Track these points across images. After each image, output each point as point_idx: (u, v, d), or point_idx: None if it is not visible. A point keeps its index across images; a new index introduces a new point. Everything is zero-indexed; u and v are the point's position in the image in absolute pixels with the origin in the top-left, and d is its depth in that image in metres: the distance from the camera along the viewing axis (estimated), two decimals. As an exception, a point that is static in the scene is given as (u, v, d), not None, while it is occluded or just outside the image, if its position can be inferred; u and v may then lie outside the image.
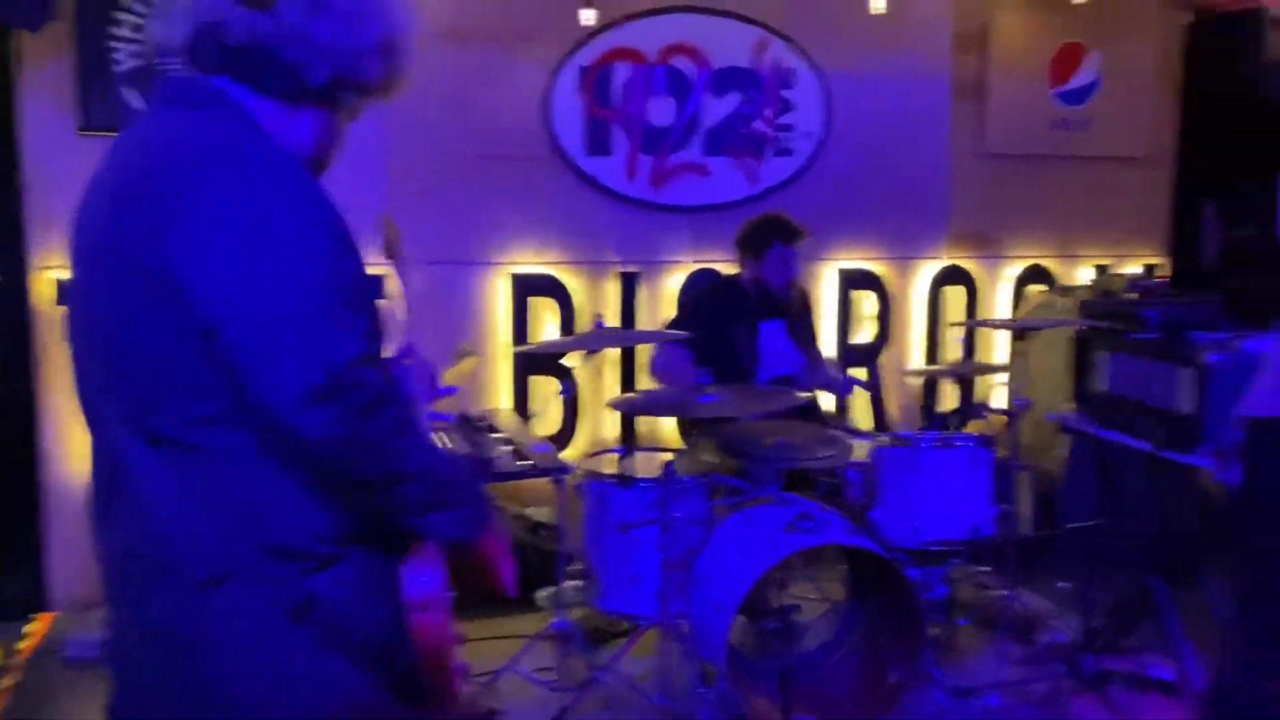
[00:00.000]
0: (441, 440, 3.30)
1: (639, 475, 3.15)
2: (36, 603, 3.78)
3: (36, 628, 3.66)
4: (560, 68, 4.37)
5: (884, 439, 3.26)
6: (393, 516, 1.35)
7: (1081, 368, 3.63)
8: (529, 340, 4.37)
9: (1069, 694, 3.09)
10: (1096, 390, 3.53)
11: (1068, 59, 5.07)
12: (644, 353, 4.60)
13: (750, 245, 3.80)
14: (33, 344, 3.73)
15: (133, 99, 3.74)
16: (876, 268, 4.90)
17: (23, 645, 3.53)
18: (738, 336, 3.76)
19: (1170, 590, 3.10)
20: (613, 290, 4.55)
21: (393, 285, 4.24)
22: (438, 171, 4.24)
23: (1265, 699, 1.93)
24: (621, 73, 4.47)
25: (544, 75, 4.37)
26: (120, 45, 3.73)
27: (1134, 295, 4.07)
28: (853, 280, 4.86)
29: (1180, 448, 3.09)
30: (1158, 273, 5.19)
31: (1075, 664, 3.11)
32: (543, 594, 3.74)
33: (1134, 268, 5.19)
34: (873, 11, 4.46)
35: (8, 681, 3.26)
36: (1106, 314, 3.61)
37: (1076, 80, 5.09)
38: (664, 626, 2.98)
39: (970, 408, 4.40)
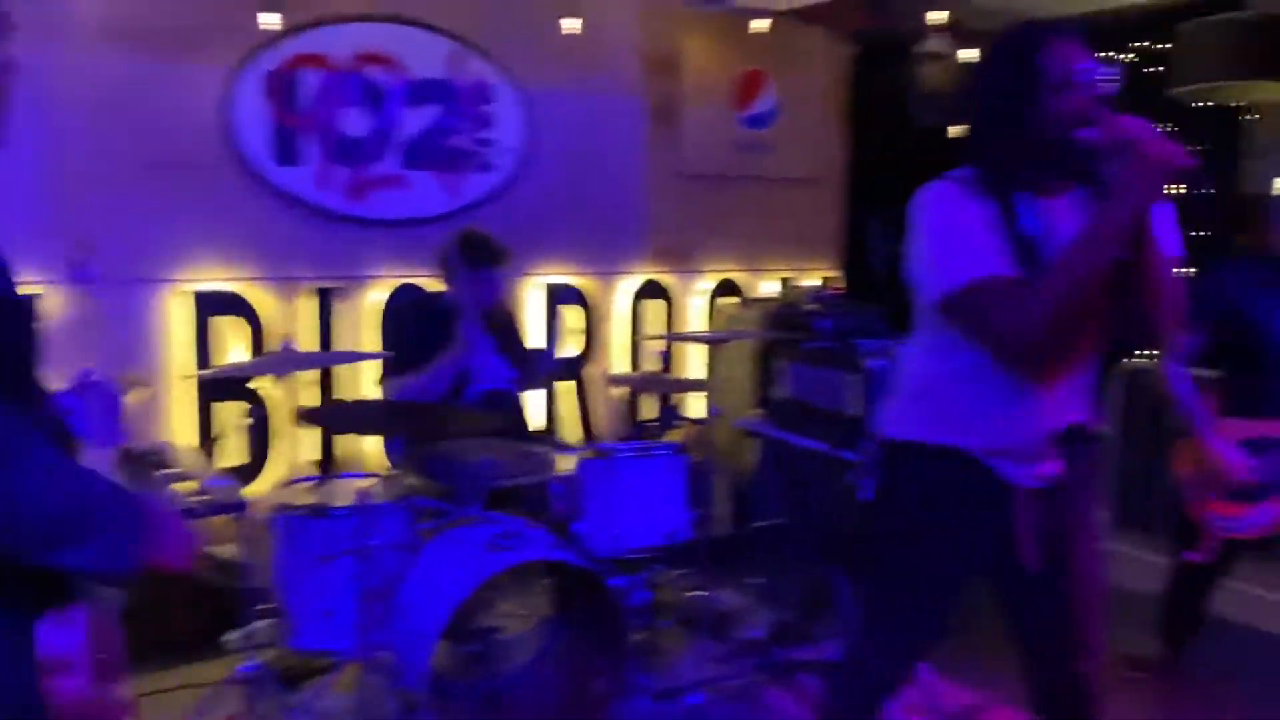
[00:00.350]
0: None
1: (334, 504, 3.01)
2: None
3: None
4: (241, 72, 4.12)
5: (587, 451, 3.30)
6: (13, 560, 1.19)
7: (765, 376, 3.86)
8: (212, 364, 4.08)
9: (763, 686, 3.26)
10: (778, 396, 3.77)
11: (750, 85, 5.39)
12: (342, 374, 4.42)
13: (454, 264, 3.71)
14: None
15: None
16: (580, 282, 4.99)
17: None
18: (452, 355, 3.67)
19: (849, 580, 3.35)
20: (307, 308, 4.34)
21: (60, 307, 3.82)
22: (104, 182, 3.87)
23: (877, 677, 2.15)
24: (311, 80, 4.28)
25: (223, 80, 4.10)
26: None
27: (812, 307, 4.39)
28: (558, 295, 4.92)
29: (850, 448, 3.35)
30: (834, 285, 5.62)
31: (767, 656, 3.29)
32: (230, 637, 3.48)
33: (813, 280, 5.59)
34: (565, 31, 4.55)
35: None
36: (786, 324, 3.86)
37: (758, 106, 5.43)
38: (364, 660, 2.86)
39: (668, 417, 4.57)
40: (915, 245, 1.94)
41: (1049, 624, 2.06)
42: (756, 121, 5.43)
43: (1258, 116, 5.08)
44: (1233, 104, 4.95)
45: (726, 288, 5.40)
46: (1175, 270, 1.87)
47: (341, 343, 4.42)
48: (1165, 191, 1.76)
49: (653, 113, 5.12)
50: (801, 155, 5.57)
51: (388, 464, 4.22)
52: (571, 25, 4.62)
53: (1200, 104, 4.81)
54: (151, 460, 3.45)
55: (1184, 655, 3.27)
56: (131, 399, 3.15)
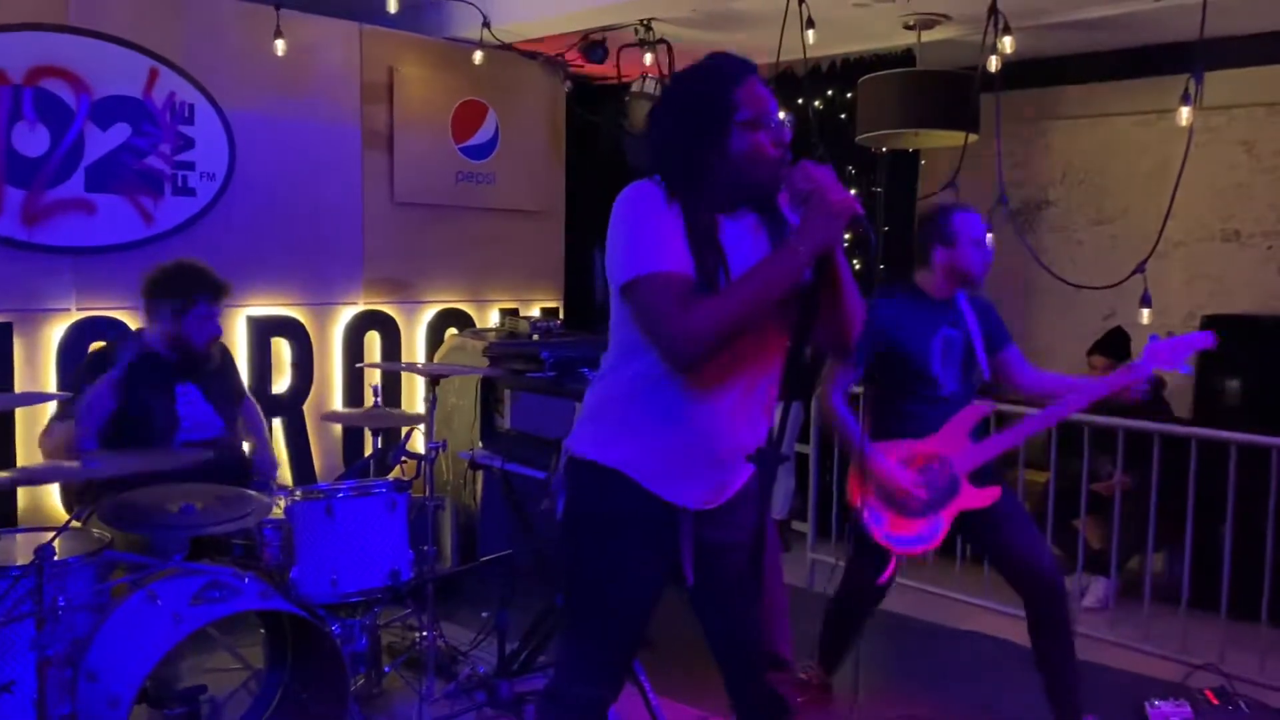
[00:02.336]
0: None
1: (11, 561, 2.70)
2: None
3: None
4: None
5: (298, 494, 3.15)
6: None
7: (489, 407, 3.85)
8: None
9: (491, 721, 3.23)
10: (503, 428, 3.77)
11: (469, 116, 5.39)
12: (23, 417, 3.98)
13: (166, 300, 3.39)
14: None
15: None
16: (293, 313, 4.77)
17: None
18: (151, 403, 3.35)
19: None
20: (-29, 345, 3.88)
21: None
22: None
23: (580, 699, 2.18)
24: (-24, 92, 3.85)
25: None
26: None
27: (535, 337, 4.44)
28: (268, 327, 4.68)
29: (574, 475, 3.40)
30: (556, 315, 5.71)
31: (493, 691, 3.26)
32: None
33: (536, 311, 5.65)
34: (276, 53, 4.37)
35: None
36: (509, 355, 3.87)
37: (478, 136, 5.43)
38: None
39: (389, 452, 4.45)
40: (612, 237, 2.01)
41: (735, 637, 2.16)
42: (477, 152, 5.43)
43: (927, 162, 5.69)
44: (909, 150, 5.51)
45: (450, 318, 5.35)
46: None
47: (21, 383, 3.98)
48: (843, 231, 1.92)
49: (367, 139, 5.00)
50: (523, 187, 5.63)
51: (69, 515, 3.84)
52: (280, 46, 4.45)
53: (882, 150, 5.31)
54: None
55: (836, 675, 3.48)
56: None
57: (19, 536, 3.10)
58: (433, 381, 3.58)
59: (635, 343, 2.02)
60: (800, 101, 4.92)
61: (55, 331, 4.10)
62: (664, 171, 2.01)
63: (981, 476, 3.04)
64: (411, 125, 5.14)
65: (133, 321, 4.15)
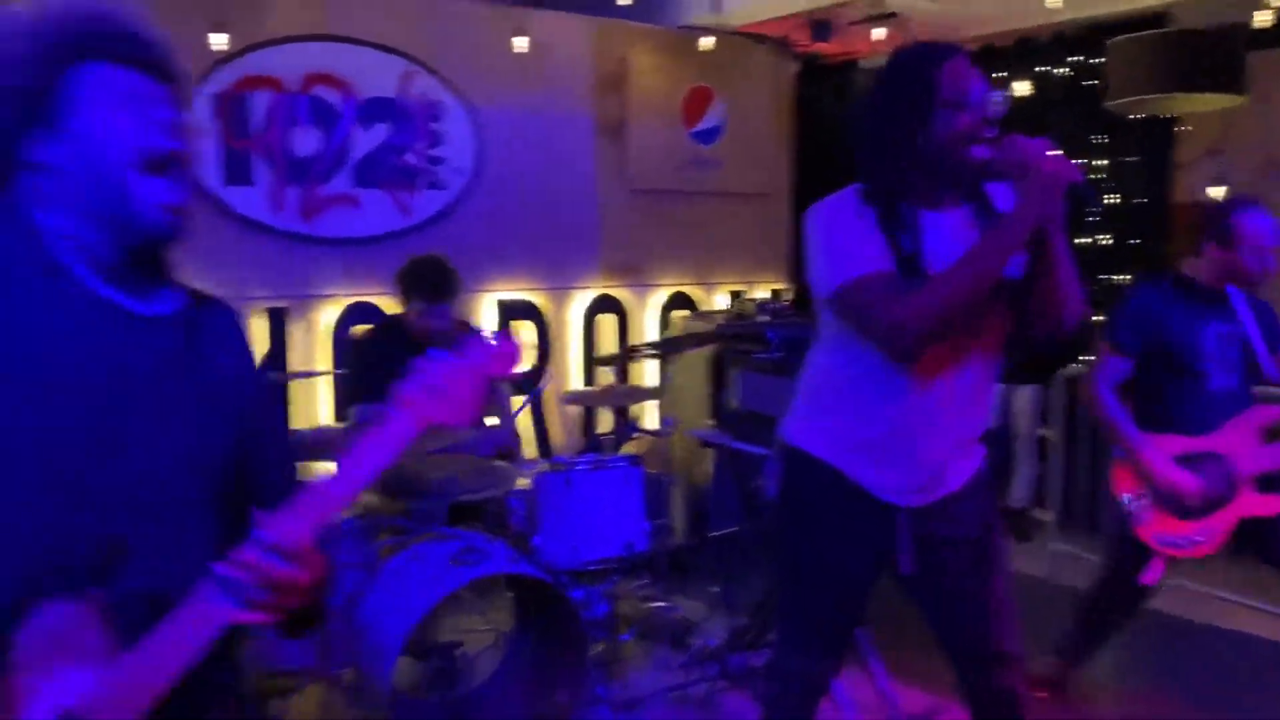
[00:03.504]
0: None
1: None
2: None
3: None
4: (193, 92, 4.12)
5: (543, 465, 3.34)
6: None
7: (718, 387, 3.93)
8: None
9: (722, 693, 3.31)
10: (731, 406, 3.83)
11: (697, 101, 5.48)
12: (296, 390, 4.41)
13: (409, 290, 3.67)
14: None
15: None
16: (534, 298, 5.03)
17: None
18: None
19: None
20: (259, 327, 4.33)
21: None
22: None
23: (800, 679, 2.22)
24: (260, 101, 4.29)
25: (173, 101, 4.09)
26: None
27: (763, 318, 4.47)
28: (511, 310, 4.96)
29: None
30: (783, 297, 5.72)
31: (725, 664, 3.34)
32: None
33: (763, 292, 5.68)
34: (516, 51, 4.60)
35: None
36: (737, 336, 3.93)
37: (706, 122, 5.51)
38: (327, 677, 2.87)
39: (624, 429, 4.61)
40: (809, 254, 2.03)
41: (958, 631, 2.13)
42: (704, 137, 5.52)
43: (1189, 128, 5.27)
44: (1164, 116, 5.13)
45: (679, 301, 5.47)
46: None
47: (295, 362, 4.41)
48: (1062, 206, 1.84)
49: (601, 129, 5.18)
50: (750, 170, 5.67)
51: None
52: (521, 44, 4.68)
53: (1134, 116, 4.98)
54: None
55: (1081, 671, 3.31)
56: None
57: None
58: (665, 362, 3.68)
59: (839, 339, 2.03)
60: (1043, 70, 4.68)
61: (327, 315, 4.51)
62: (868, 156, 2.01)
63: (1272, 483, 2.81)
64: (644, 113, 5.28)
65: (392, 307, 4.50)
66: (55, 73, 1.21)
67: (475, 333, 1.41)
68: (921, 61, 1.96)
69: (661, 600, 3.45)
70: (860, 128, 2.04)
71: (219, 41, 3.96)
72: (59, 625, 1.18)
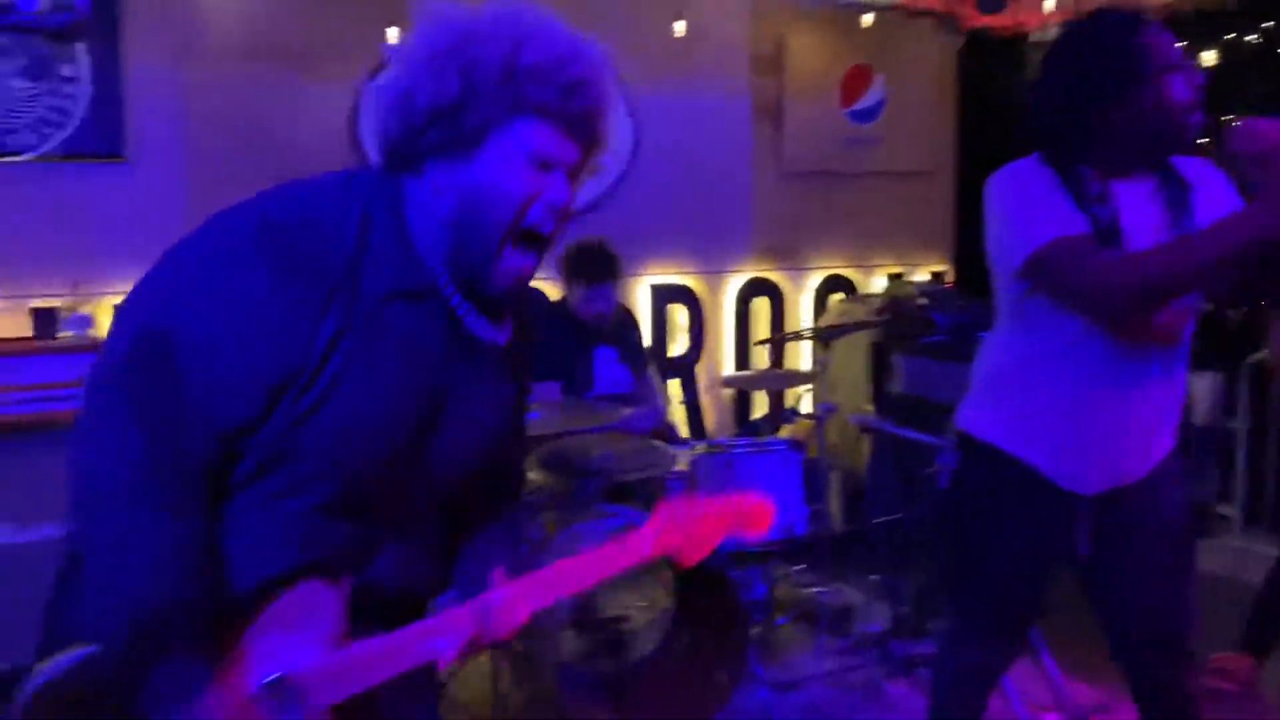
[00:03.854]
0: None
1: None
2: None
3: None
4: (368, 86, 4.30)
5: (701, 447, 3.36)
6: None
7: (879, 371, 3.86)
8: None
9: (883, 680, 3.27)
10: (893, 391, 3.77)
11: (856, 80, 5.38)
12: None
13: (571, 274, 3.76)
14: None
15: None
16: (688, 282, 5.05)
17: None
18: (574, 360, 3.74)
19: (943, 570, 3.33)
20: (428, 311, 4.49)
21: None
22: (236, 194, 4.07)
23: (973, 668, 2.18)
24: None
25: (350, 94, 4.28)
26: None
27: (924, 301, 4.37)
28: (666, 294, 4.99)
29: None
30: (945, 279, 5.57)
31: (887, 651, 3.30)
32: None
33: (923, 275, 5.55)
34: (675, 35, 4.61)
35: None
36: (899, 319, 3.85)
37: (865, 100, 5.41)
38: (494, 646, 2.97)
39: (780, 413, 4.59)
40: (993, 223, 1.96)
41: (1133, 626, 2.05)
42: (863, 116, 5.41)
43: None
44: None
45: (835, 284, 5.40)
46: None
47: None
48: None
49: (757, 110, 5.15)
50: (910, 148, 5.53)
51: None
52: (680, 28, 4.69)
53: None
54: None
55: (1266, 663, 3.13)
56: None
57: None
58: (823, 345, 3.65)
59: (1024, 318, 1.96)
60: (1230, 38, 4.40)
61: (490, 299, 4.65)
62: (1054, 128, 1.93)
63: None
64: (801, 93, 5.22)
65: (549, 291, 4.60)
66: (493, 120, 1.26)
67: (745, 494, 1.42)
68: (1121, 28, 1.88)
69: (820, 586, 3.43)
70: (1046, 99, 1.97)
71: (394, 36, 4.12)
72: (305, 601, 1.28)
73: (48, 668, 1.22)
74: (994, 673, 2.22)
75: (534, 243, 1.31)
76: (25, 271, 3.69)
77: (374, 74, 4.29)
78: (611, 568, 1.36)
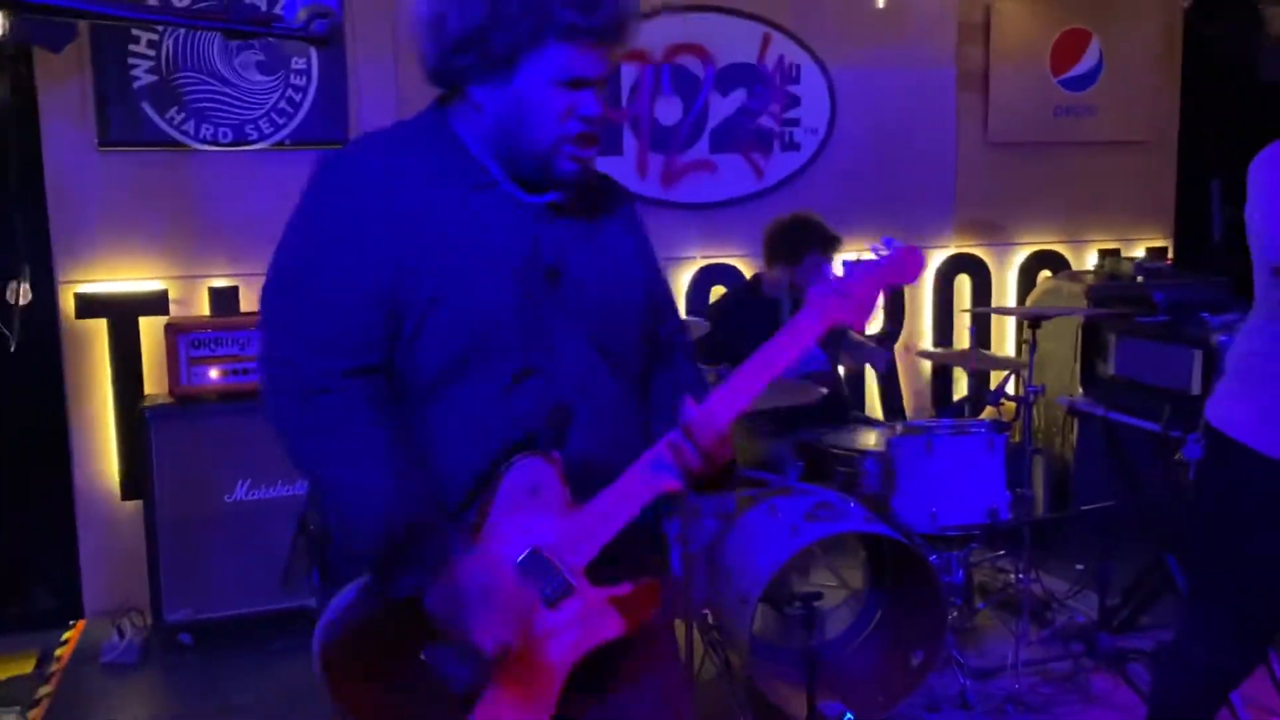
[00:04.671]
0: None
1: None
2: (71, 610, 3.86)
3: (72, 635, 3.74)
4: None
5: (900, 428, 3.31)
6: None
7: (1090, 352, 3.68)
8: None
9: (1088, 672, 3.15)
10: (1106, 374, 3.58)
11: (1070, 46, 5.11)
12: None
13: (785, 251, 3.72)
14: (61, 357, 3.80)
15: (151, 114, 3.81)
16: (886, 258, 4.95)
17: (60, 653, 3.61)
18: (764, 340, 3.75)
19: (1184, 566, 3.15)
20: (626, 288, 4.60)
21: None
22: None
23: (1208, 671, 2.06)
24: (629, 74, 4.53)
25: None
26: (139, 61, 3.80)
27: (1141, 279, 4.12)
28: (863, 271, 4.91)
29: (1190, 428, 3.13)
30: (1164, 256, 5.22)
31: (1093, 643, 3.17)
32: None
33: (1139, 251, 5.23)
34: (877, 6, 4.52)
35: (46, 689, 3.33)
36: (1114, 298, 3.66)
37: (1079, 67, 5.13)
38: (687, 617, 3.04)
39: (982, 394, 4.44)
40: (1255, 209, 1.82)
41: None
42: (1076, 84, 5.14)
43: None
44: None
45: (1042, 260, 5.16)
46: None
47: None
48: None
49: (962, 81, 4.98)
50: (1128, 117, 5.21)
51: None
52: (882, -1, 4.59)
53: None
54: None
55: None
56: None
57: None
58: (1033, 325, 3.51)
59: None
60: None
61: (684, 277, 4.72)
62: None
63: None
64: (1008, 61, 5.01)
65: (745, 269, 4.62)
66: (521, 44, 1.37)
67: (884, 244, 1.52)
68: None
69: (1024, 573, 3.32)
70: None
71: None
72: (529, 479, 1.40)
73: (331, 605, 1.38)
74: (1231, 679, 2.10)
75: (583, 141, 1.42)
76: (265, 250, 4.02)
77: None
78: (790, 353, 1.46)
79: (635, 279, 1.56)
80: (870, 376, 4.91)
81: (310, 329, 1.38)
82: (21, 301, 3.59)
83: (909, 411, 4.92)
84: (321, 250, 1.40)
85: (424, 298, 1.37)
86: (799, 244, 3.65)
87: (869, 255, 1.50)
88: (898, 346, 4.95)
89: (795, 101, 4.77)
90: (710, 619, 3.11)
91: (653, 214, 4.60)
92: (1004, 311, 4.71)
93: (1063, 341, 4.27)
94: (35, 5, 1.14)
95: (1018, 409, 3.48)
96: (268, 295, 1.45)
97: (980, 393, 4.68)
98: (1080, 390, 3.80)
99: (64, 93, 3.75)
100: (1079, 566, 3.70)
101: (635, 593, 1.40)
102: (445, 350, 1.38)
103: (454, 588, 1.33)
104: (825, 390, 3.21)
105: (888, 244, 1.50)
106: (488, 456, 1.39)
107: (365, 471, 1.34)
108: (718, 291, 4.56)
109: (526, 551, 1.37)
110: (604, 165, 4.79)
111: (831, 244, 3.65)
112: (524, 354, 1.41)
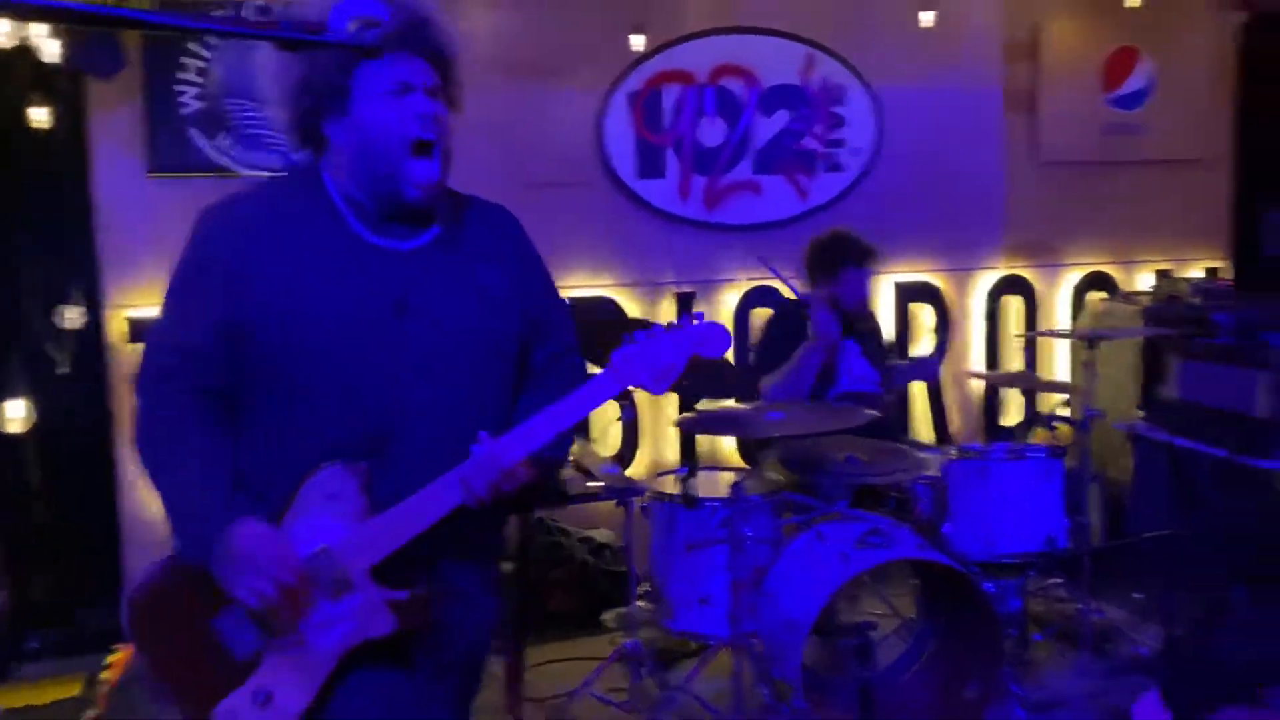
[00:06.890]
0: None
1: (705, 495, 3.15)
2: (117, 633, 3.85)
3: (118, 659, 3.73)
4: (611, 93, 4.42)
5: (953, 452, 3.23)
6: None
7: (1149, 375, 3.59)
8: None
9: (1151, 707, 3.03)
10: (1166, 397, 3.48)
11: (1120, 64, 5.02)
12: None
13: (822, 266, 3.69)
14: (110, 380, 3.83)
15: (199, 140, 3.85)
16: (933, 279, 4.88)
17: (106, 676, 3.60)
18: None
19: (1253, 598, 3.04)
20: (668, 310, 4.57)
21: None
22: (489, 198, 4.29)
23: None
24: (671, 95, 4.51)
25: (595, 101, 4.42)
26: (187, 89, 3.84)
27: (1199, 299, 4.02)
28: (909, 293, 4.85)
29: (1256, 452, 3.03)
30: (1220, 276, 5.11)
31: (1156, 676, 3.06)
32: (610, 615, 3.75)
33: (1195, 271, 5.11)
34: (922, 26, 4.47)
35: (93, 712, 3.32)
36: (1174, 319, 3.56)
37: (1129, 85, 5.04)
38: (736, 646, 2.98)
39: (1036, 418, 4.34)
40: None
41: None
42: (1127, 102, 5.05)
43: None
44: None
45: (1094, 281, 5.06)
46: None
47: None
48: None
49: (1010, 100, 4.91)
50: (1180, 135, 5.11)
51: (744, 461, 4.35)
52: (927, 19, 4.55)
53: None
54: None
55: None
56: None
57: (703, 474, 3.60)
58: (1091, 347, 3.43)
59: None
60: None
61: (729, 299, 4.67)
62: None
63: None
64: (1058, 81, 4.94)
65: (788, 291, 4.56)
66: (348, 73, 1.57)
67: (689, 316, 1.62)
68: None
69: (1080, 602, 3.22)
70: None
71: (638, 43, 4.22)
72: (329, 486, 1.58)
73: (142, 570, 1.64)
74: None
75: (425, 150, 1.61)
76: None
77: (617, 82, 4.41)
78: (585, 409, 1.59)
79: (499, 310, 1.69)
80: (917, 399, 4.83)
81: (161, 358, 1.63)
82: (71, 326, 3.62)
83: (955, 436, 4.83)
84: (174, 293, 1.64)
85: (265, 330, 1.56)
86: (835, 259, 3.61)
87: (675, 324, 1.59)
88: (946, 372, 4.87)
89: (840, 122, 4.73)
90: (758, 648, 3.04)
91: (695, 236, 4.63)
92: (1063, 335, 4.60)
93: (1117, 364, 4.16)
94: (86, 15, 1.14)
95: (1074, 433, 3.38)
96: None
97: (1033, 417, 4.58)
98: (1137, 414, 3.69)
99: (114, 119, 3.80)
100: (1136, 595, 3.59)
101: (410, 600, 1.56)
102: (278, 376, 1.58)
103: (226, 549, 1.52)
104: (875, 413, 3.14)
105: (697, 317, 1.61)
106: (306, 469, 1.57)
107: (185, 478, 1.60)
108: (761, 314, 4.51)
109: (318, 547, 1.55)
110: (646, 188, 4.79)
111: (866, 256, 3.61)
112: (355, 382, 1.58)
